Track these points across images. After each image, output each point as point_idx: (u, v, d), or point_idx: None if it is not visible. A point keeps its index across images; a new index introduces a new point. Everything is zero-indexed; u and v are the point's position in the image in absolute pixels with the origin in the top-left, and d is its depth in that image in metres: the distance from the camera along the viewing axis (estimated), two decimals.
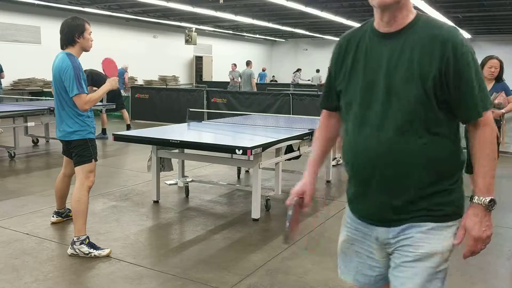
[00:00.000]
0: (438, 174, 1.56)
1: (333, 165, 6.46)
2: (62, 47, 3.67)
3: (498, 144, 4.92)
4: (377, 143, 1.55)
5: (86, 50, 3.74)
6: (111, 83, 3.78)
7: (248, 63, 14.64)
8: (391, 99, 1.53)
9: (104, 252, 3.61)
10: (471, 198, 1.58)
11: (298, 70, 22.94)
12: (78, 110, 3.62)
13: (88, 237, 3.64)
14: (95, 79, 8.62)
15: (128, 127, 10.15)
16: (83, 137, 3.66)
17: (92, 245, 3.62)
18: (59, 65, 3.57)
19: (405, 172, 1.54)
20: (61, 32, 3.66)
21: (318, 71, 21.53)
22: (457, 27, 1.54)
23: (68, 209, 4.36)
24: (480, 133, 1.54)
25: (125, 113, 10.51)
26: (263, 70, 23.91)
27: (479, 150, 1.55)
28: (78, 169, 3.70)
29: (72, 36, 3.62)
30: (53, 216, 4.33)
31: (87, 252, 3.57)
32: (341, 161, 7.15)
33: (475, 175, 1.57)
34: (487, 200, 1.56)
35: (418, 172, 1.54)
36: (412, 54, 1.51)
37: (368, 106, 1.58)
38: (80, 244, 3.58)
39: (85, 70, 3.73)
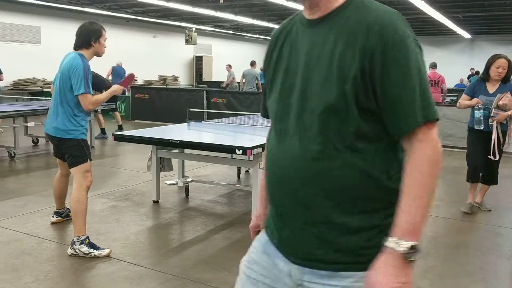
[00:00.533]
0: (365, 203, 1.19)
1: None
2: (75, 48, 3.73)
3: (501, 150, 4.73)
4: (287, 160, 1.24)
5: (99, 55, 3.82)
6: (115, 89, 3.88)
7: (253, 63, 14.06)
8: (306, 106, 1.21)
9: (104, 252, 3.61)
10: (385, 240, 1.15)
11: None
12: (76, 111, 3.64)
13: (88, 237, 3.64)
14: (95, 82, 8.61)
15: (120, 128, 10.09)
16: (76, 137, 3.66)
17: (92, 245, 3.62)
18: (70, 63, 3.60)
19: (318, 198, 1.20)
20: (78, 34, 3.73)
21: None
22: (396, 12, 1.18)
23: (68, 209, 4.36)
24: (417, 151, 1.14)
25: (117, 115, 10.43)
26: (261, 70, 23.88)
27: (410, 174, 1.14)
28: (74, 170, 3.70)
29: (88, 39, 3.69)
30: (53, 216, 4.33)
31: (87, 252, 3.57)
32: None
33: (398, 209, 1.15)
34: (407, 246, 1.11)
35: (334, 200, 1.19)
36: (335, 47, 1.17)
37: (285, 114, 1.27)
38: (80, 244, 3.58)
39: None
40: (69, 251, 3.62)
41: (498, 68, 4.58)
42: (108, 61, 12.49)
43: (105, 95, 3.81)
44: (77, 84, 3.54)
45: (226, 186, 5.75)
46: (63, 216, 4.35)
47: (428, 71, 10.21)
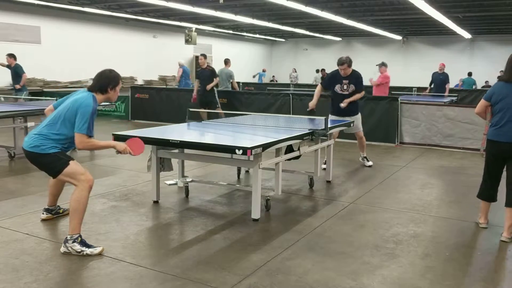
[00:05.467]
0: None
1: (323, 168, 6.38)
2: (91, 90, 3.83)
3: None
4: None
5: (110, 101, 4.02)
6: (120, 145, 3.87)
7: (226, 62, 13.61)
8: None
9: (96, 250, 3.61)
10: None
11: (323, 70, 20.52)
12: (59, 139, 3.68)
13: (80, 236, 3.65)
14: (206, 74, 10.65)
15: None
16: (46, 152, 3.65)
17: (84, 243, 3.63)
18: (82, 100, 3.68)
19: None
20: (97, 79, 3.87)
21: (317, 71, 21.40)
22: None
23: (59, 206, 4.42)
24: None
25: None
26: (263, 71, 23.88)
27: None
28: (62, 177, 3.73)
29: (106, 86, 3.83)
30: (43, 213, 4.39)
31: (79, 250, 3.59)
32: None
33: None
34: None
35: None
36: None
37: None
38: (73, 242, 3.60)
39: None
40: (62, 249, 3.64)
41: None
42: (107, 62, 12.53)
43: (103, 143, 3.86)
44: (81, 122, 3.60)
45: (226, 186, 5.74)
46: (53, 214, 4.40)
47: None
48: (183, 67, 15.43)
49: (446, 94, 12.84)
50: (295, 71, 24.17)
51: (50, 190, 4.31)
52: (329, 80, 6.96)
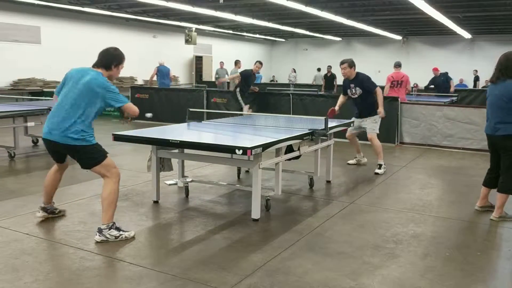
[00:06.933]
0: None
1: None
2: (94, 66, 3.98)
3: None
4: None
5: (111, 79, 4.07)
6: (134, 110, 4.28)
7: (236, 63, 13.80)
8: None
9: (132, 233, 3.91)
10: None
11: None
12: (90, 122, 3.86)
13: (114, 222, 3.85)
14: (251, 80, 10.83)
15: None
16: (91, 143, 3.86)
17: (119, 229, 3.86)
18: (96, 81, 3.83)
19: None
20: (102, 55, 4.01)
21: (319, 70, 21.43)
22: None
23: (55, 208, 4.45)
24: None
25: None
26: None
27: None
28: (97, 168, 3.88)
29: (110, 63, 3.99)
30: (38, 211, 4.38)
31: (118, 235, 3.82)
32: (363, 161, 7.29)
33: None
34: None
35: None
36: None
37: None
38: (109, 229, 3.79)
39: None
40: (98, 238, 3.79)
41: None
42: None
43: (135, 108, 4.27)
44: (117, 97, 3.88)
45: (226, 186, 5.74)
46: (49, 213, 4.41)
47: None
48: (159, 66, 15.13)
49: (452, 90, 13.03)
50: (294, 71, 24.18)
51: (46, 188, 4.31)
52: (343, 86, 7.04)
